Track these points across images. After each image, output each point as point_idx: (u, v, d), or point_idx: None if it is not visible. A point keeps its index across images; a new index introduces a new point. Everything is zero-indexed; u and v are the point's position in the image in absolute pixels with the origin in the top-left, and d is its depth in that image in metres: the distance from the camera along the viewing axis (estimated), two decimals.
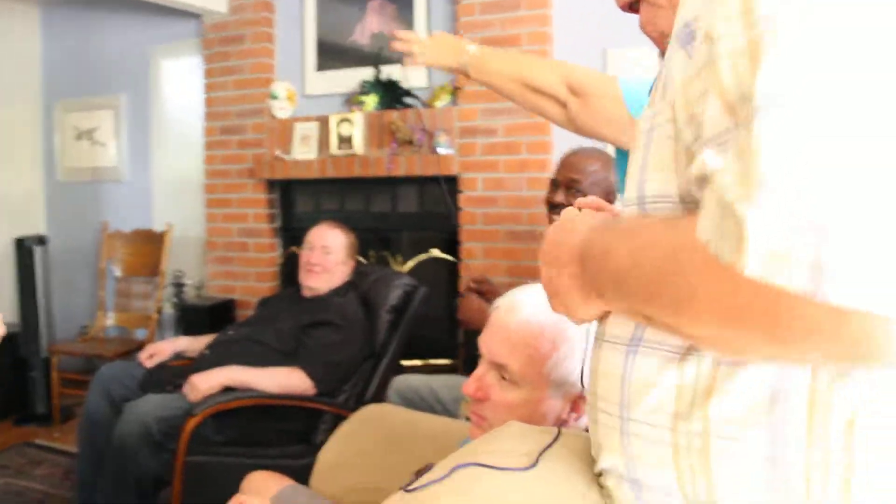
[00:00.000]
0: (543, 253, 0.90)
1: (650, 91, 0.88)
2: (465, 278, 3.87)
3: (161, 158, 5.03)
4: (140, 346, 4.22)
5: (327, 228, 3.25)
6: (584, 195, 2.53)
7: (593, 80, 1.64)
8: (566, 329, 1.29)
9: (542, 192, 3.54)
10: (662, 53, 0.94)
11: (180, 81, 4.94)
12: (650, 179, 0.76)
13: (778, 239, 0.52)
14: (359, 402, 2.89)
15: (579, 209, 0.95)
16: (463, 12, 3.89)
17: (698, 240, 0.59)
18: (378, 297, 3.21)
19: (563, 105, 1.66)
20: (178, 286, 4.64)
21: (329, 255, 3.16)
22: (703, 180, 0.60)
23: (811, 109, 0.53)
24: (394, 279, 3.31)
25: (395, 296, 3.21)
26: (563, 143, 3.57)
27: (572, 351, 1.28)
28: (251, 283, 4.44)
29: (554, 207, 2.64)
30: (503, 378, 1.33)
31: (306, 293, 3.19)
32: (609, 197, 2.48)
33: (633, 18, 3.39)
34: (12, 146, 5.32)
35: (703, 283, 0.59)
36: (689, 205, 0.69)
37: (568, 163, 2.67)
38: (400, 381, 2.84)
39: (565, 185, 2.62)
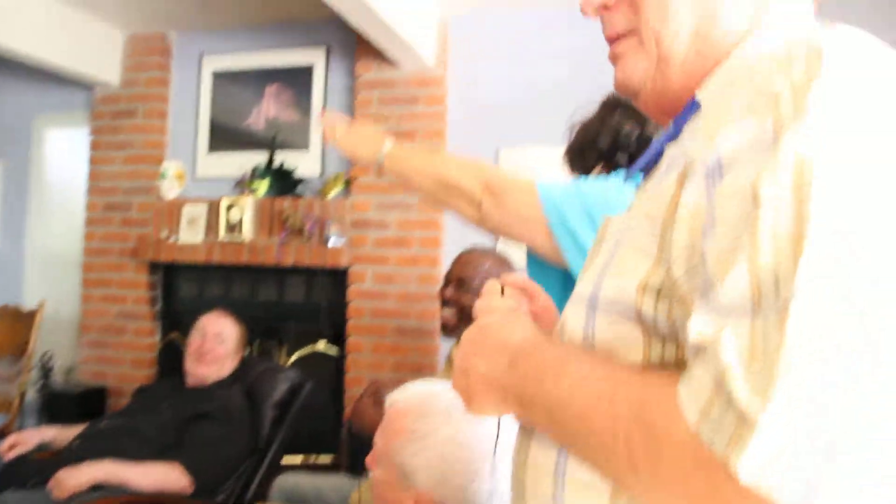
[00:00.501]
0: (468, 333, 0.86)
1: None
2: (352, 374, 3.80)
3: (37, 231, 4.79)
4: None
5: (221, 316, 3.13)
6: (475, 293, 2.54)
7: (509, 181, 1.65)
8: (422, 421, 1.29)
9: (432, 288, 3.55)
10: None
11: (65, 152, 4.76)
12: (607, 284, 0.72)
13: (783, 449, 0.50)
14: (239, 501, 2.77)
15: (502, 287, 0.93)
16: (360, 104, 3.90)
17: (681, 415, 0.55)
18: (263, 391, 3.09)
19: (478, 204, 1.65)
20: (46, 369, 4.37)
21: (222, 344, 3.04)
22: (701, 349, 0.56)
23: (846, 323, 0.50)
24: (280, 373, 3.21)
25: (280, 390, 3.11)
26: (454, 240, 3.59)
27: (426, 449, 1.27)
28: (126, 370, 4.22)
29: (445, 303, 2.63)
30: (375, 459, 1.35)
31: (191, 382, 3.04)
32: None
33: (524, 119, 3.52)
34: None
35: (673, 460, 0.56)
36: (642, 323, 0.67)
37: (461, 260, 2.70)
38: (284, 481, 2.73)
39: (456, 282, 2.63)
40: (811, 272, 0.51)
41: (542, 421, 0.73)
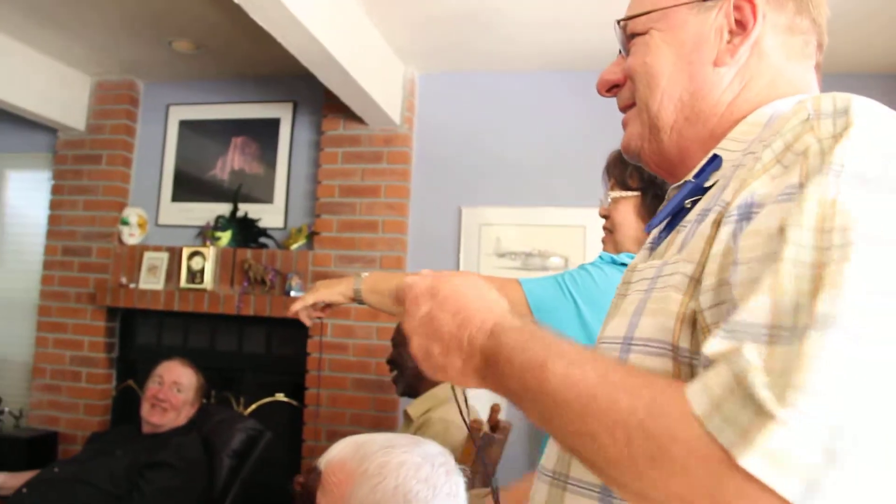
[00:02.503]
0: (419, 318, 0.86)
1: (653, 244, 0.91)
2: (310, 425, 3.80)
3: None
4: None
5: (180, 365, 3.13)
6: (399, 348, 2.60)
7: (493, 285, 1.70)
8: (366, 463, 1.29)
9: (389, 343, 3.59)
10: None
11: (24, 194, 4.72)
12: (644, 323, 0.77)
13: (794, 447, 0.53)
14: None
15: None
16: (325, 159, 3.97)
17: (688, 409, 0.59)
18: (221, 440, 3.09)
19: None
20: None
21: (180, 394, 3.05)
22: (719, 358, 0.60)
23: (865, 344, 0.55)
24: (238, 422, 3.22)
25: (238, 439, 3.11)
26: None
27: (371, 482, 1.28)
28: (79, 416, 4.16)
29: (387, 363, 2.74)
30: None
31: (146, 429, 3.02)
32: None
33: (487, 179, 3.60)
34: None
35: (676, 453, 0.59)
36: (675, 356, 0.71)
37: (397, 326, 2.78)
38: None
39: (391, 341, 2.74)
40: (831, 302, 0.57)
41: (519, 391, 0.74)
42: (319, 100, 4.03)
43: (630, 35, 0.94)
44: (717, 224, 0.71)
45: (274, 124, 4.21)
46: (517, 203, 3.81)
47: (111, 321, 4.27)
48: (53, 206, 4.46)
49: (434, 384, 2.62)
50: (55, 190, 4.47)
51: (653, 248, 0.91)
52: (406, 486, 1.27)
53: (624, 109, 0.99)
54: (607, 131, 1.09)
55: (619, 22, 0.96)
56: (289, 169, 4.15)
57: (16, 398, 4.40)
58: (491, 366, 0.78)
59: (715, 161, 0.84)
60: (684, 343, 0.71)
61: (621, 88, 0.98)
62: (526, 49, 3.65)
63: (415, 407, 2.64)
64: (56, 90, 4.24)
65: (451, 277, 0.87)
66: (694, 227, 0.77)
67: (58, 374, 4.28)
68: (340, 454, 1.34)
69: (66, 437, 4.14)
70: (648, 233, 0.95)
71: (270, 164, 4.18)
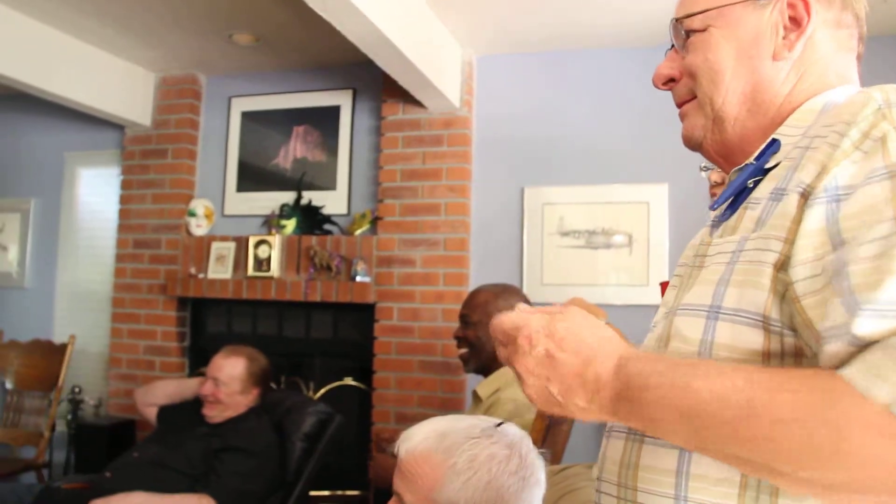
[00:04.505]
0: (536, 359, 0.85)
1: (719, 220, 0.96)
2: (379, 408, 3.84)
3: (67, 267, 4.89)
4: (26, 466, 3.98)
5: (223, 358, 3.11)
6: (474, 327, 2.60)
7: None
8: (454, 457, 1.29)
9: (456, 324, 3.60)
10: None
11: (96, 190, 4.86)
12: (731, 293, 0.81)
13: None
14: None
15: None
16: (386, 144, 3.99)
17: (860, 394, 0.63)
18: (291, 425, 3.13)
19: None
20: (75, 403, 4.43)
21: (221, 388, 3.04)
22: (879, 340, 0.64)
23: None
24: (308, 406, 3.24)
25: (309, 423, 3.14)
26: (479, 276, 3.66)
27: (462, 478, 1.28)
28: None
29: (457, 340, 2.74)
30: None
31: (209, 421, 3.09)
32: None
33: (549, 158, 3.58)
34: None
35: (863, 437, 0.62)
36: (766, 324, 0.77)
37: (464, 299, 2.77)
38: None
39: (460, 320, 2.70)
40: None
41: (663, 417, 0.76)
42: (378, 85, 4.05)
43: (686, 32, 1.00)
44: (802, 205, 0.77)
45: (334, 112, 4.25)
46: (580, 181, 3.78)
47: (182, 311, 4.37)
48: (123, 200, 4.58)
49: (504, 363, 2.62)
50: (124, 185, 4.59)
51: (716, 226, 0.96)
52: (498, 481, 1.28)
53: (681, 104, 1.04)
54: (669, 107, 1.09)
55: (675, 20, 1.02)
56: (350, 155, 4.19)
57: (95, 388, 4.54)
58: (623, 399, 0.79)
59: (773, 145, 0.91)
60: (774, 314, 0.76)
61: (677, 83, 1.04)
62: (584, 28, 3.61)
63: (484, 387, 2.64)
64: (122, 88, 4.35)
65: (562, 316, 0.87)
66: (771, 206, 0.82)
67: (133, 364, 4.40)
68: (424, 444, 1.33)
69: (143, 424, 4.25)
70: (712, 210, 1.00)
71: (332, 151, 4.22)
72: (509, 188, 3.87)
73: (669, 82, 1.05)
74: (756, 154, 0.92)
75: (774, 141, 0.91)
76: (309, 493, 3.20)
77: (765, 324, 0.77)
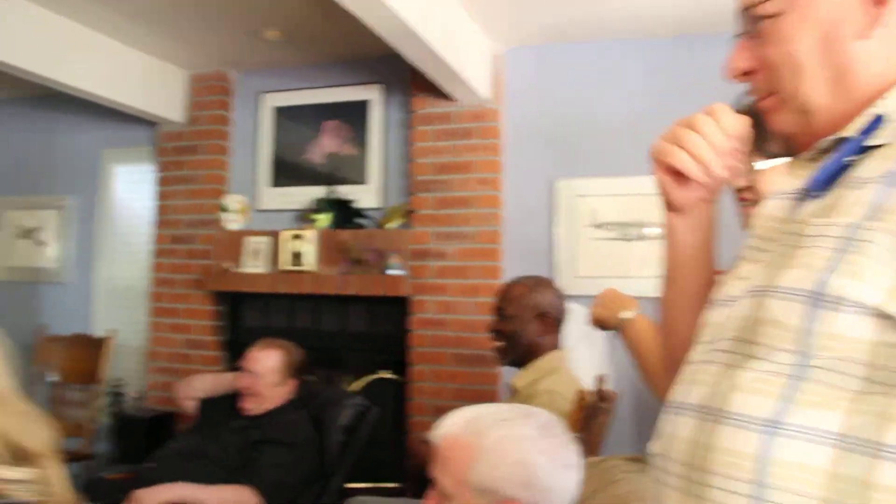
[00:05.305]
0: None
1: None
2: (416, 400, 3.87)
3: (105, 263, 4.98)
4: (72, 456, 4.08)
5: (259, 351, 3.17)
6: (509, 320, 2.60)
7: None
8: (484, 438, 1.32)
9: (489, 317, 3.62)
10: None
11: (131, 187, 4.94)
12: (836, 283, 0.78)
13: None
14: None
15: None
16: (417, 138, 4.01)
17: None
18: (329, 417, 3.16)
19: None
20: (117, 395, 4.53)
21: (258, 380, 3.09)
22: None
23: None
24: (345, 399, 3.29)
25: (346, 415, 3.18)
26: (513, 269, 3.67)
27: (492, 457, 1.31)
28: None
29: (492, 332, 2.74)
30: (442, 495, 1.36)
31: (246, 413, 3.13)
32: (544, 317, 2.57)
33: (580, 150, 3.54)
34: None
35: None
36: (881, 317, 0.74)
37: (498, 291, 2.77)
38: (358, 503, 2.80)
39: (495, 312, 2.69)
40: None
41: None
42: (408, 79, 4.06)
43: (758, 19, 0.93)
44: None
45: (363, 106, 4.27)
46: (612, 173, 3.77)
47: (218, 305, 4.44)
48: (159, 196, 4.66)
49: (540, 355, 2.63)
50: (160, 181, 4.66)
51: (800, 200, 0.91)
52: (527, 460, 1.30)
53: (761, 98, 0.97)
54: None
55: (746, 8, 0.94)
56: (381, 149, 4.21)
57: (133, 381, 4.63)
58: None
59: (877, 121, 0.84)
60: (891, 308, 0.73)
61: (755, 75, 0.97)
62: (614, 17, 3.59)
63: (521, 378, 2.66)
64: (156, 85, 4.41)
65: None
66: (888, 191, 0.78)
67: (171, 357, 4.48)
68: (454, 429, 1.37)
69: (182, 416, 4.33)
70: (817, 189, 0.91)
71: (362, 145, 4.25)
72: (541, 180, 3.88)
73: (746, 74, 0.98)
74: (858, 128, 0.86)
75: (878, 118, 0.84)
76: (345, 485, 3.25)
77: (878, 317, 0.74)
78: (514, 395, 2.66)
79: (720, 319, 0.93)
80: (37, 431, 1.16)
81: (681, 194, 1.06)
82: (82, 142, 5.11)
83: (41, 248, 5.21)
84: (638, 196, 3.71)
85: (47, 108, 5.20)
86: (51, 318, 4.92)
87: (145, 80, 4.34)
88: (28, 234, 5.26)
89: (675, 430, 0.91)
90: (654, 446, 0.97)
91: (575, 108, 3.87)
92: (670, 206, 1.09)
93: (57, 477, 1.18)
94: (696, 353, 0.95)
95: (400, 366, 4.01)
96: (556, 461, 1.32)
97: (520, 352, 2.68)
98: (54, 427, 1.19)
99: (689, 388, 0.92)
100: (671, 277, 1.15)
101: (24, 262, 5.25)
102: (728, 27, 1.02)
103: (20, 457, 1.11)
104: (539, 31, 3.80)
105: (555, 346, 2.63)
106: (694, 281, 1.11)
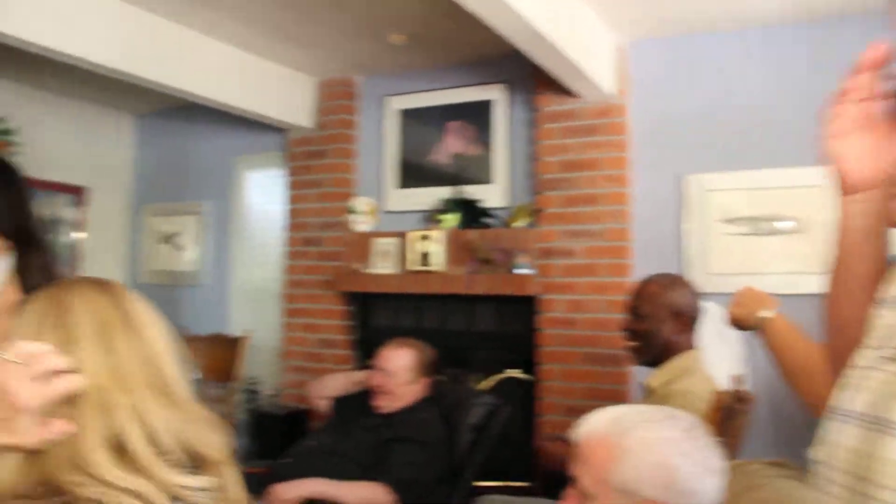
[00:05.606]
0: None
1: None
2: (546, 400, 3.86)
3: (240, 265, 5.19)
4: None
5: (390, 350, 3.22)
6: (644, 319, 2.54)
7: None
8: (627, 438, 1.30)
9: (619, 316, 3.55)
10: None
11: (262, 192, 5.13)
12: None
13: None
14: None
15: None
16: (542, 136, 4.00)
17: None
18: (459, 416, 3.19)
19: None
20: (253, 393, 4.70)
21: (391, 378, 3.14)
22: None
23: None
24: (475, 397, 3.31)
25: (476, 414, 3.20)
26: (643, 266, 3.60)
27: (634, 458, 1.29)
28: None
29: (625, 332, 2.68)
30: (583, 494, 1.35)
31: (378, 411, 3.18)
32: (679, 316, 2.50)
33: (710, 145, 3.42)
34: (105, 246, 5.59)
35: None
36: None
37: (632, 290, 2.70)
38: (490, 501, 2.82)
39: (630, 311, 2.64)
40: None
41: None
42: (531, 77, 4.04)
43: None
44: None
45: (486, 106, 4.29)
46: (742, 166, 3.65)
47: (348, 305, 4.54)
48: (290, 200, 4.82)
49: (675, 354, 2.57)
50: (289, 186, 4.82)
51: None
52: (670, 462, 1.28)
53: None
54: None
55: None
56: (506, 148, 4.22)
57: (269, 379, 4.80)
58: None
59: None
60: None
61: None
62: (740, 6, 3.48)
63: (656, 378, 2.60)
64: (285, 93, 4.58)
65: None
66: None
67: (304, 356, 4.63)
68: (598, 429, 1.36)
69: (315, 413, 4.45)
70: None
71: (487, 144, 4.27)
72: (670, 175, 3.79)
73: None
74: None
75: None
76: (474, 484, 3.26)
77: None
78: (649, 396, 2.61)
79: (888, 322, 0.89)
80: (214, 437, 1.17)
81: (857, 172, 1.01)
82: (215, 150, 5.36)
83: (180, 253, 5.48)
84: (769, 189, 3.58)
85: (182, 119, 5.49)
86: (190, 318, 5.16)
87: (276, 88, 4.50)
88: (168, 239, 5.55)
89: (839, 438, 0.88)
90: (817, 453, 0.93)
91: (702, 101, 3.77)
92: (845, 188, 1.04)
93: (234, 483, 1.21)
94: (862, 357, 0.91)
95: (528, 365, 4.00)
96: (699, 465, 1.30)
97: (654, 352, 2.62)
98: (227, 431, 1.22)
99: (854, 394, 0.88)
100: (840, 265, 1.09)
101: (165, 266, 5.54)
102: (856, 9, 0.96)
103: (198, 463, 1.13)
104: (664, 22, 3.71)
105: (689, 345, 2.56)
106: (863, 270, 1.05)
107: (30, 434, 0.99)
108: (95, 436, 1.02)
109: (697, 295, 2.62)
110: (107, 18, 3.54)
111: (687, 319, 2.54)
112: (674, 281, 2.67)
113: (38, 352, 1.01)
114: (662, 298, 2.57)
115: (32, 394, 0.98)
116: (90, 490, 0.99)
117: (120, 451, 1.02)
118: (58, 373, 1.01)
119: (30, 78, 4.85)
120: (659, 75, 3.87)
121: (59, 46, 3.34)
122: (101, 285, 1.18)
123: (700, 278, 3.56)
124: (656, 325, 2.55)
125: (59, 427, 1.00)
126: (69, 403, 1.02)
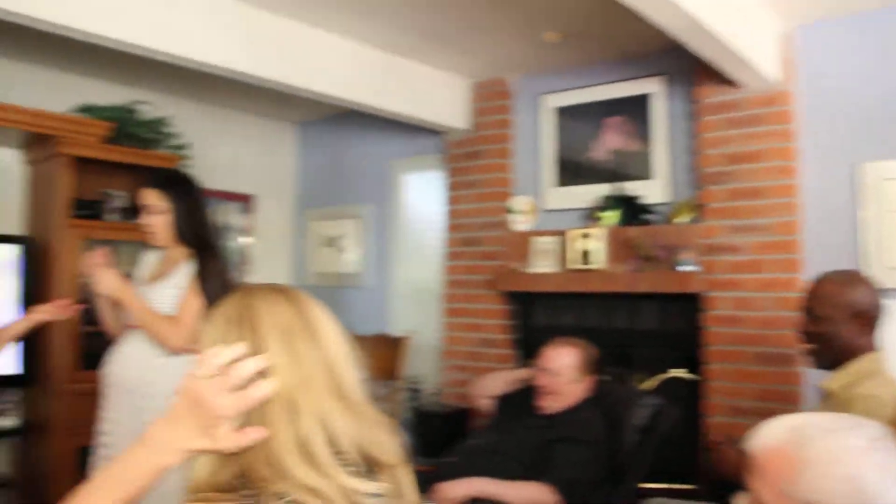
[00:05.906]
0: None
1: None
2: (714, 400, 3.76)
3: (400, 266, 5.34)
4: None
5: (553, 349, 3.21)
6: (821, 321, 2.40)
7: None
8: (810, 449, 1.23)
9: (789, 313, 3.40)
10: None
11: (419, 194, 5.27)
12: None
13: None
14: None
15: None
16: (703, 128, 3.89)
17: None
18: (622, 415, 3.16)
19: None
20: (415, 392, 4.82)
21: (555, 378, 3.14)
22: None
23: None
24: (640, 398, 3.27)
25: (641, 414, 3.16)
26: (814, 262, 3.44)
27: (818, 469, 1.22)
28: None
29: (801, 334, 2.53)
30: None
31: (540, 412, 3.18)
32: (860, 317, 2.35)
33: (889, 131, 3.22)
34: (272, 250, 5.91)
35: None
36: None
37: (807, 289, 2.54)
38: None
39: (805, 312, 2.50)
40: None
41: None
42: (689, 69, 3.94)
43: None
44: None
45: (644, 100, 4.22)
46: None
47: (509, 304, 4.58)
48: (449, 201, 4.91)
49: (856, 357, 2.44)
50: (448, 187, 4.92)
51: None
52: (856, 474, 1.21)
53: None
54: None
55: None
56: (666, 143, 4.14)
57: (431, 378, 4.92)
58: None
59: None
60: None
61: None
62: None
63: (834, 381, 2.48)
64: (441, 97, 4.67)
65: None
66: None
67: (465, 356, 4.70)
68: (776, 438, 1.29)
69: (475, 413, 4.51)
70: None
71: (646, 139, 4.20)
72: (843, 165, 3.58)
73: None
74: None
75: None
76: (638, 485, 3.21)
77: None
78: (828, 399, 2.48)
79: None
80: (389, 441, 1.21)
81: None
82: (373, 154, 5.54)
83: (343, 255, 5.70)
84: None
85: (341, 126, 5.72)
86: (353, 319, 5.33)
87: (431, 92, 4.61)
88: (331, 242, 5.78)
89: None
90: None
91: (877, 85, 3.53)
92: None
93: (408, 486, 1.24)
94: None
95: (692, 364, 3.90)
96: (889, 477, 1.22)
97: (833, 355, 2.49)
98: (399, 433, 1.26)
99: None
100: None
101: (329, 268, 5.78)
102: None
103: (373, 467, 1.17)
104: (832, 3, 3.52)
105: (871, 347, 2.40)
106: None
107: (228, 440, 1.06)
108: (287, 439, 1.08)
109: (878, 292, 2.46)
110: (267, 33, 3.76)
111: (868, 319, 2.39)
112: (851, 278, 2.52)
113: (233, 361, 1.08)
114: (840, 298, 2.43)
115: (231, 404, 1.05)
116: (276, 486, 1.05)
117: (306, 453, 1.08)
118: (251, 380, 1.08)
119: (199, 94, 5.20)
120: (829, 59, 3.66)
121: (226, 63, 3.60)
122: (282, 292, 1.23)
123: (879, 273, 3.36)
124: (834, 328, 2.41)
125: (254, 433, 1.07)
126: (260, 408, 1.09)
